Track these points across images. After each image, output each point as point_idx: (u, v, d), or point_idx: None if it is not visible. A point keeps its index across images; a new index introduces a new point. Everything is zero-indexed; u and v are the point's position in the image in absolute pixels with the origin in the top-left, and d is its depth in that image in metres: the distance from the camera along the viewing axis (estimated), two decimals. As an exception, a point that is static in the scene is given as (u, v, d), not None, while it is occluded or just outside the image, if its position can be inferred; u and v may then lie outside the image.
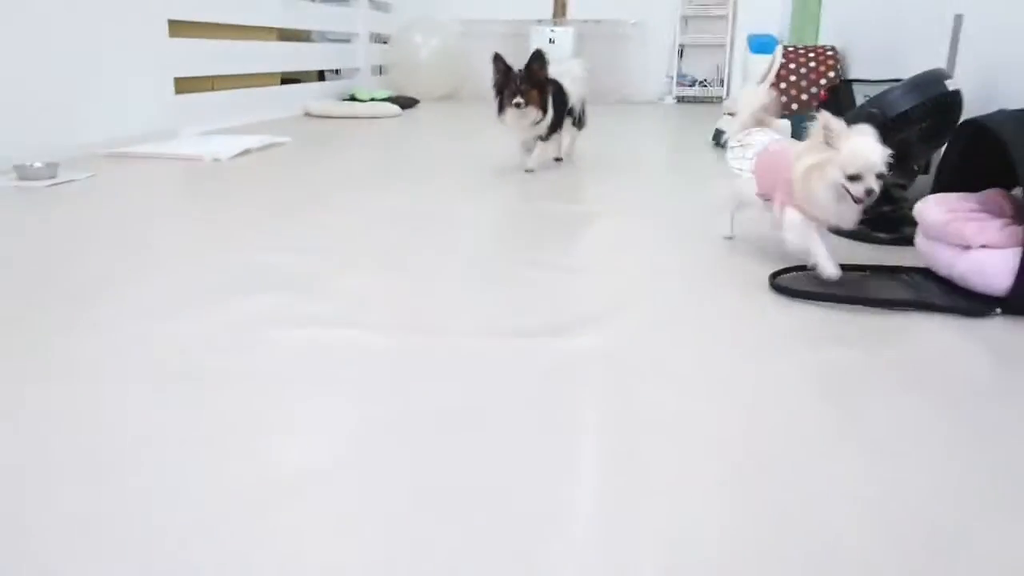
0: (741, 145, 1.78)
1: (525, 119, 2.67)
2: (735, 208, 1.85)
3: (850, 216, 1.51)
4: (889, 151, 1.42)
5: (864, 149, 1.42)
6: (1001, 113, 1.52)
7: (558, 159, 3.04)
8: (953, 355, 1.23)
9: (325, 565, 0.69)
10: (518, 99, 2.60)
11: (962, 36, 2.07)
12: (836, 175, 1.44)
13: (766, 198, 1.67)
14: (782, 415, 1.01)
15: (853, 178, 1.43)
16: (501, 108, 2.68)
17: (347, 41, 5.93)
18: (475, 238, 1.97)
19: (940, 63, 2.14)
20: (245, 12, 4.36)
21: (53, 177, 2.50)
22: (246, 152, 3.16)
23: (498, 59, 2.69)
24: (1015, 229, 1.40)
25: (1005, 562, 0.72)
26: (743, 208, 1.81)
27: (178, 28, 3.63)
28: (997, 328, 1.33)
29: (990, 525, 0.77)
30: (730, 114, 3.73)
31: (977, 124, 1.54)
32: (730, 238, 1.88)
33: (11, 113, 2.70)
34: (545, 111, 2.69)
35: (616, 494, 0.82)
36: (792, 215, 1.55)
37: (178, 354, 1.17)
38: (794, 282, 1.51)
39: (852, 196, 1.44)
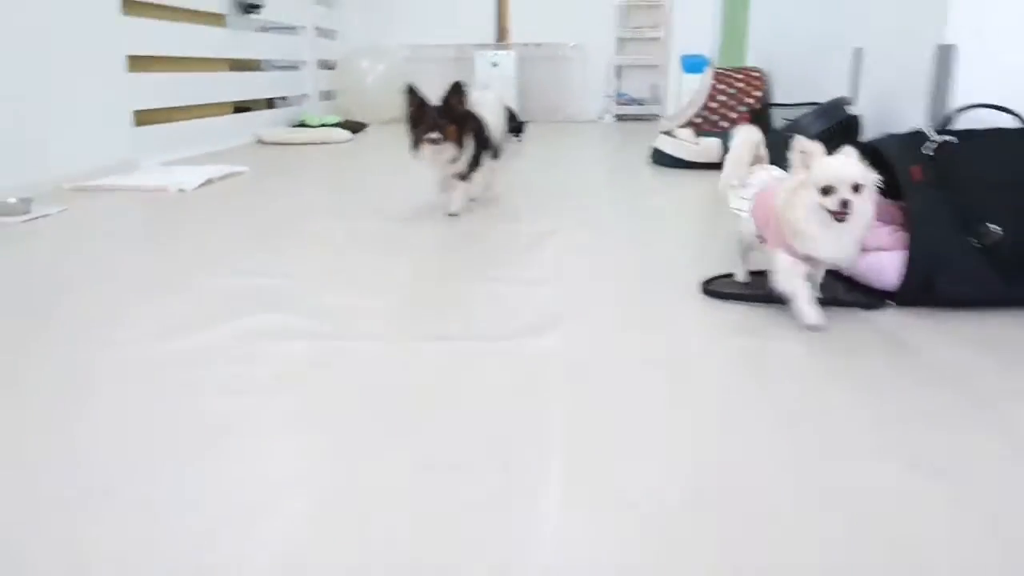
0: (742, 185, 1.75)
1: (442, 156, 2.48)
2: (743, 251, 1.76)
3: (844, 244, 1.47)
4: (875, 171, 1.44)
5: (834, 162, 1.43)
6: (890, 137, 1.78)
7: (472, 199, 2.77)
8: (852, 339, 1.46)
9: (328, 538, 0.88)
10: (434, 134, 2.41)
11: (862, 67, 2.34)
12: (811, 194, 1.43)
13: (762, 239, 1.64)
14: (711, 390, 1.23)
15: (826, 192, 1.41)
16: (416, 143, 2.47)
17: (295, 68, 6.07)
18: (439, 257, 2.16)
19: (845, 91, 2.41)
20: (198, 45, 4.49)
21: (28, 212, 2.61)
22: (208, 182, 3.29)
23: (411, 91, 2.47)
24: (902, 234, 1.65)
25: (843, 488, 0.94)
26: (750, 250, 1.75)
27: (136, 63, 3.75)
28: (889, 318, 1.57)
29: (860, 464, 0.99)
30: (666, 132, 4.00)
31: (871, 146, 1.80)
32: (745, 283, 1.77)
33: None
34: (463, 147, 2.51)
35: (580, 461, 1.02)
36: (782, 258, 1.52)
37: (174, 369, 1.34)
38: (722, 286, 1.74)
39: (830, 212, 1.41)
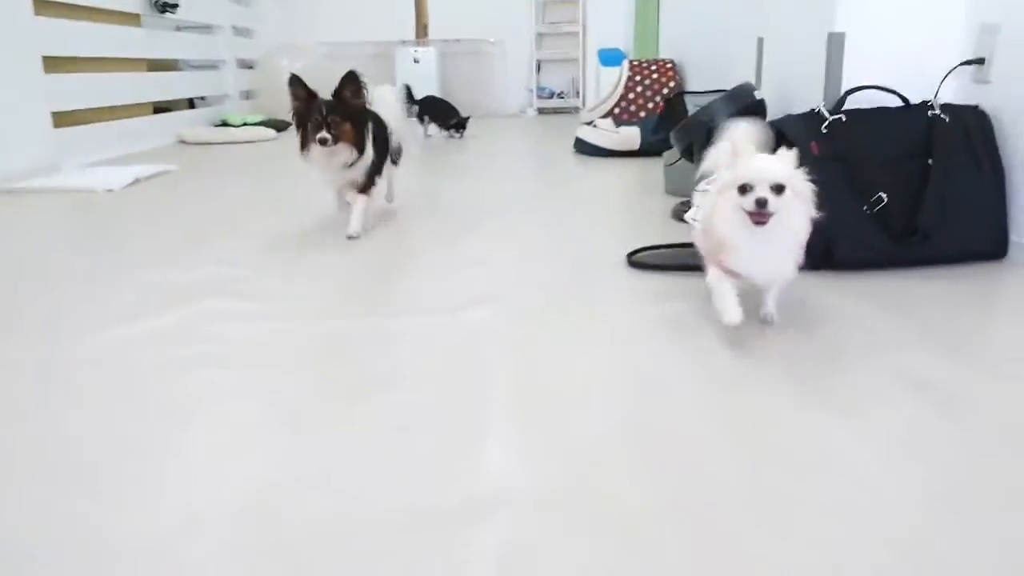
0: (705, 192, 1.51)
1: (335, 160, 2.14)
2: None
3: (770, 256, 1.33)
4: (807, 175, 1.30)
5: (756, 159, 1.28)
6: (789, 117, 1.95)
7: (389, 202, 2.64)
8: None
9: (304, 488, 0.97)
10: (323, 134, 2.05)
11: (764, 55, 2.53)
12: (733, 196, 1.28)
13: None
14: (636, 349, 1.36)
15: (743, 191, 1.26)
16: (304, 144, 2.13)
17: (214, 68, 6.01)
18: (374, 247, 2.25)
19: (751, 77, 2.59)
20: (114, 45, 4.43)
21: (-49, 215, 2.57)
22: (136, 182, 3.28)
23: (296, 83, 2.12)
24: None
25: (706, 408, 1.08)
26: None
27: (53, 64, 3.69)
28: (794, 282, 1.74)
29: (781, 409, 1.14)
30: (588, 123, 4.16)
31: (775, 126, 1.97)
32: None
33: None
34: (361, 150, 2.15)
35: (524, 409, 1.13)
36: (711, 274, 1.38)
37: (129, 352, 1.40)
38: (646, 258, 1.88)
39: (748, 215, 1.26)
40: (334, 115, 2.06)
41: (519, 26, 7.17)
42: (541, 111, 7.28)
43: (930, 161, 1.78)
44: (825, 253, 1.76)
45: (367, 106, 2.17)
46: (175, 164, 3.76)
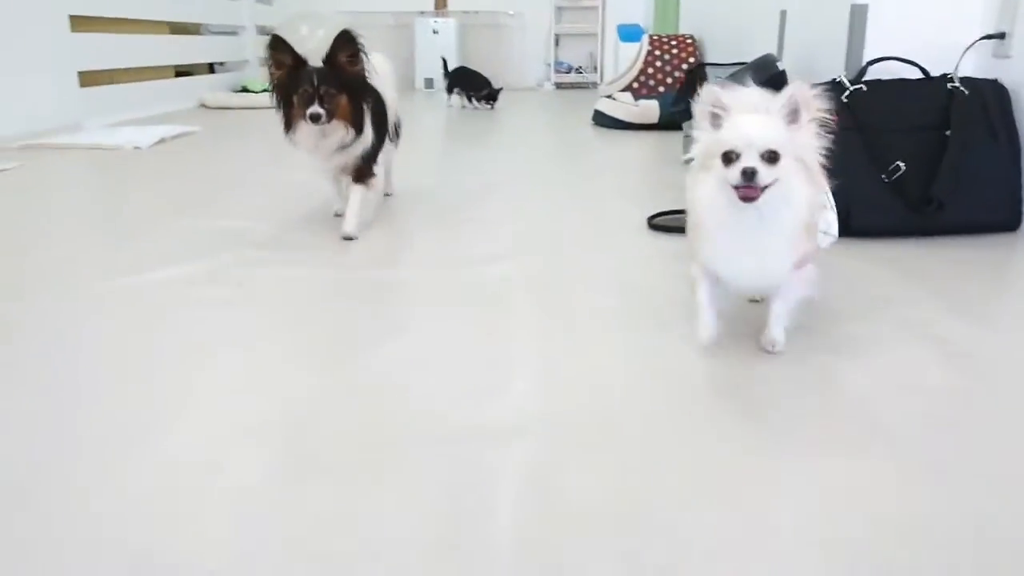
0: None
1: (328, 140, 1.76)
2: None
3: (760, 252, 1.05)
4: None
5: (743, 120, 1.00)
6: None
7: (388, 194, 2.27)
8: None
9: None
10: (315, 108, 1.67)
11: (787, 27, 2.55)
12: (717, 167, 1.02)
13: None
14: (651, 297, 1.41)
15: (728, 160, 1.00)
16: (289, 123, 1.76)
17: (234, 34, 6.04)
18: (399, 205, 2.30)
19: (772, 49, 2.61)
20: (138, 6, 4.46)
21: (-18, 167, 2.63)
22: (162, 141, 3.33)
23: (278, 45, 1.73)
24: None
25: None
26: None
27: (79, 23, 3.73)
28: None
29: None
30: (608, 96, 4.18)
31: (795, 95, 2.00)
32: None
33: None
34: (359, 128, 1.77)
35: (545, 348, 1.18)
36: (693, 270, 1.15)
37: (153, 295, 1.45)
38: (666, 222, 1.92)
39: (734, 190, 0.99)
40: (327, 86, 1.67)
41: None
42: (559, 85, 7.28)
43: (948, 133, 1.81)
44: (843, 219, 1.79)
45: (366, 75, 1.77)
46: (198, 126, 3.81)
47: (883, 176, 1.80)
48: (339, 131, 1.74)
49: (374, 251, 1.76)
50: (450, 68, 5.23)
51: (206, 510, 0.78)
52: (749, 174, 0.97)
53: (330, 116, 1.69)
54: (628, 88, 4.32)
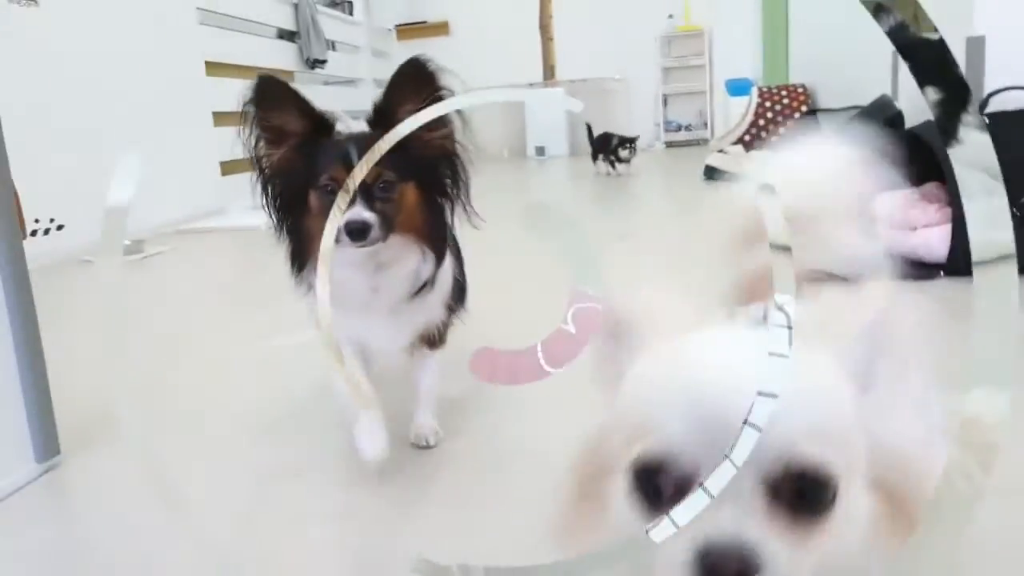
0: None
1: (389, 278, 1.03)
2: None
3: None
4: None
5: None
6: (928, 123, 1.93)
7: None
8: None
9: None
10: (357, 213, 0.95)
11: (900, 66, 2.50)
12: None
13: None
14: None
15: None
16: (300, 252, 1.10)
17: (358, 119, 6.42)
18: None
19: (887, 90, 2.57)
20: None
21: (141, 252, 2.91)
22: (294, 220, 3.57)
23: (273, 91, 1.07)
24: (947, 210, 1.79)
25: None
26: None
27: (220, 119, 4.10)
28: (940, 286, 1.71)
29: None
30: (721, 151, 4.18)
31: (913, 133, 1.95)
32: None
33: (87, 200, 3.12)
34: (440, 251, 1.06)
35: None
36: None
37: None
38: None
39: None
40: (380, 166, 0.94)
41: (644, 62, 7.26)
42: (669, 144, 7.31)
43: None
44: (969, 256, 1.72)
45: (456, 150, 1.05)
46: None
47: (1015, 209, 1.72)
48: (409, 258, 1.00)
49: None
50: (595, 134, 5.07)
51: None
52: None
53: (388, 228, 0.94)
54: (739, 141, 4.31)
